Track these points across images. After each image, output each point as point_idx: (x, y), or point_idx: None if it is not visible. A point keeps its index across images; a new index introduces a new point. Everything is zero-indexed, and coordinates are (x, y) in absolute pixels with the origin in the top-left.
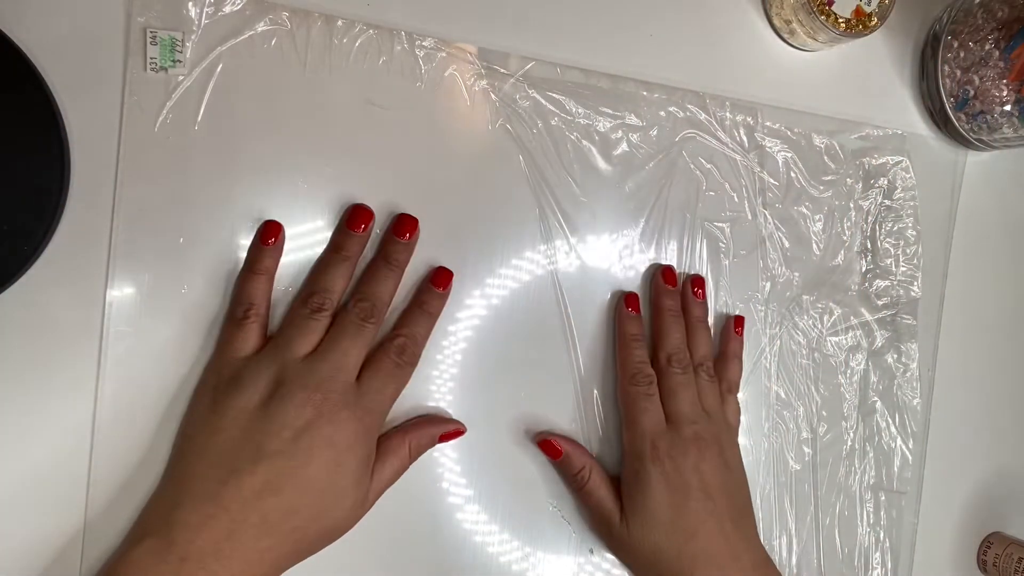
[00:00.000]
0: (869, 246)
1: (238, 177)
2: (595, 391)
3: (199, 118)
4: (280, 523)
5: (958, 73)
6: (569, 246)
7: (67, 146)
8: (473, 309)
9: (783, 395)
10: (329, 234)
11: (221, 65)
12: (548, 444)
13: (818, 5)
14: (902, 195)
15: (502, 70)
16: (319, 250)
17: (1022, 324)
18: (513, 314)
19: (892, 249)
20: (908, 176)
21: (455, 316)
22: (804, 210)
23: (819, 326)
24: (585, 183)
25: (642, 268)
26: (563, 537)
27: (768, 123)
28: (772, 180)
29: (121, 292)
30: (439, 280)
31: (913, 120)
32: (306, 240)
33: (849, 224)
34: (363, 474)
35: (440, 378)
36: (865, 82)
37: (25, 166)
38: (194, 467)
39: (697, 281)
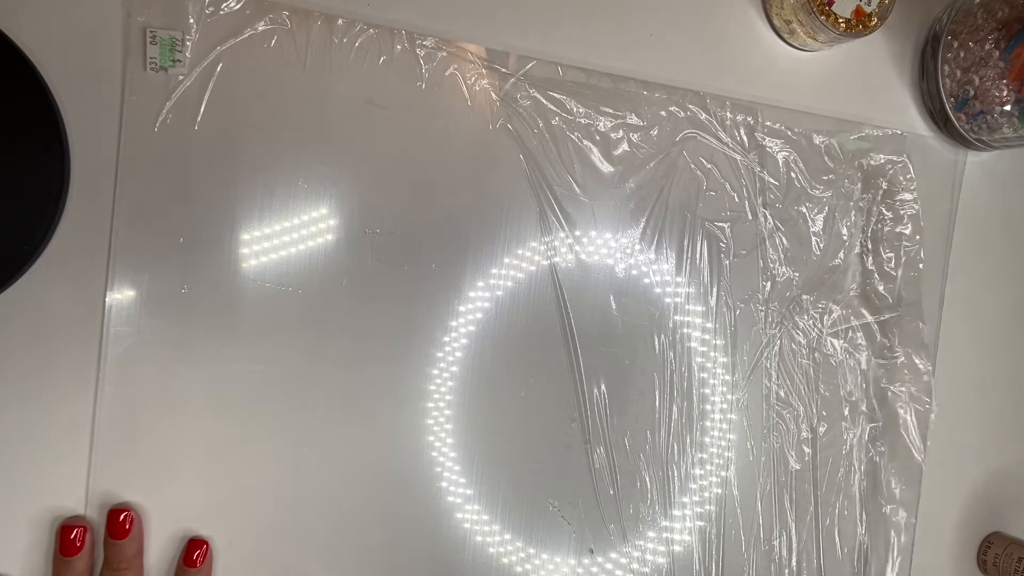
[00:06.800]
0: (869, 246)
1: (238, 177)
2: (595, 391)
3: (199, 118)
4: None
5: (958, 73)
6: (568, 246)
7: (67, 146)
8: (472, 310)
9: (783, 395)
10: (328, 232)
11: (221, 65)
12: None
13: (818, 5)
14: (902, 195)
15: (503, 69)
16: (318, 248)
17: (1022, 324)
18: (513, 314)
19: (892, 249)
20: (908, 176)
21: (456, 316)
22: (804, 210)
23: (819, 326)
24: (586, 183)
25: (642, 268)
26: (563, 537)
27: (768, 123)
28: (772, 180)
29: (121, 292)
30: (190, 558)
31: (913, 120)
32: (306, 239)
33: (849, 224)
34: None
35: (440, 377)
36: (865, 82)
37: (25, 166)
38: None
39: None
